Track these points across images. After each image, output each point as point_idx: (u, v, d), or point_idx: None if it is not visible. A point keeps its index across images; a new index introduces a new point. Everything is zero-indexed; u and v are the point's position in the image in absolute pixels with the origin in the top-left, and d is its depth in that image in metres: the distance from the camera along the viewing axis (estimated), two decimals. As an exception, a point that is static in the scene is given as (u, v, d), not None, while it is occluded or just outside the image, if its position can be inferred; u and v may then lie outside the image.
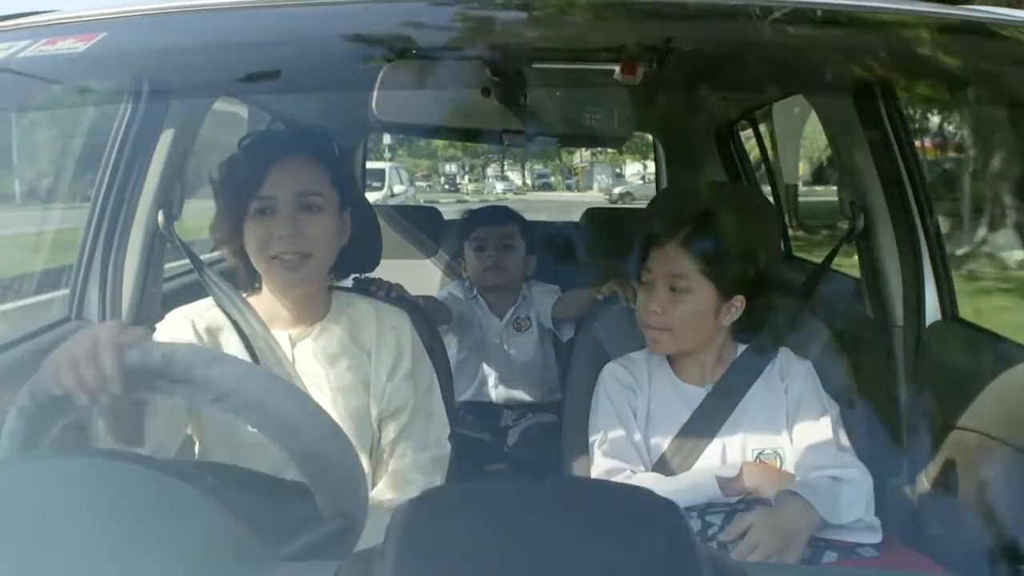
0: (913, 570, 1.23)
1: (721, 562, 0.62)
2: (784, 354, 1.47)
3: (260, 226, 1.27)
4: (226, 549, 0.64)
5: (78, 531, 0.63)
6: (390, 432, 1.35)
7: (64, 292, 1.81)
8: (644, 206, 2.13)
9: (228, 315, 1.34)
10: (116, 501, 0.68)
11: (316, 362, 1.33)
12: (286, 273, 1.28)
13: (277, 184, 1.26)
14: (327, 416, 0.86)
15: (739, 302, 1.42)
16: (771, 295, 1.53)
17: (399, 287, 1.73)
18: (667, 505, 0.66)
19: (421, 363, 1.39)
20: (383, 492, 1.30)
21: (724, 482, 1.32)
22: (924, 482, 1.54)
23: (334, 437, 0.84)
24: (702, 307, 1.40)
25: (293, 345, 1.33)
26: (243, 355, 1.28)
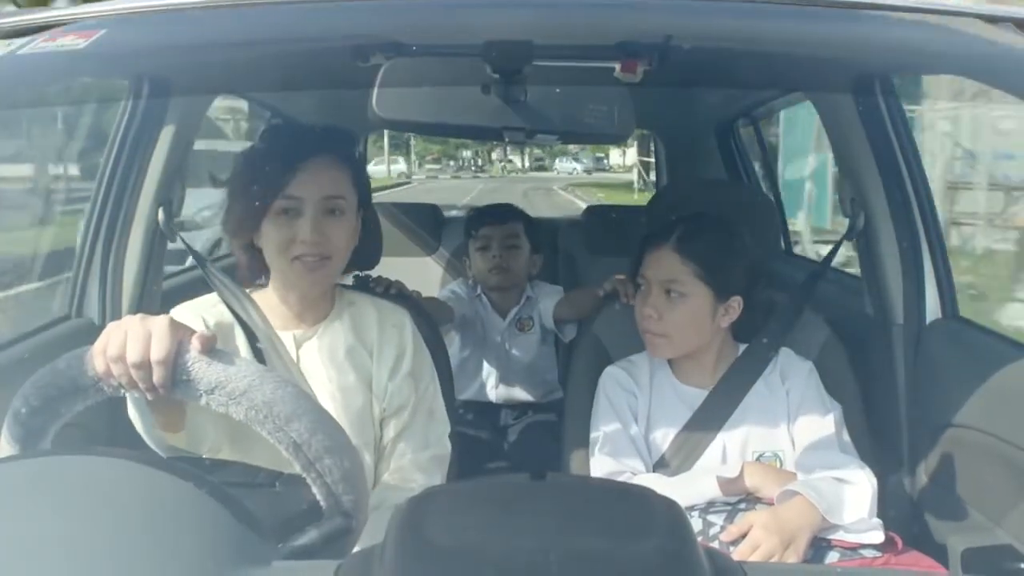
0: (915, 570, 1.23)
1: (721, 562, 0.62)
2: (785, 354, 1.46)
3: (283, 227, 1.25)
4: (226, 549, 0.64)
5: (78, 531, 0.63)
6: (391, 431, 1.34)
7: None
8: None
9: (234, 312, 1.33)
10: (116, 501, 0.68)
11: (320, 362, 1.33)
12: (306, 275, 1.28)
13: (305, 185, 1.25)
14: (337, 424, 0.86)
15: (736, 303, 1.42)
16: (771, 294, 1.53)
17: (399, 283, 1.73)
18: (667, 504, 0.66)
19: (422, 362, 1.39)
20: (383, 491, 1.30)
21: (724, 482, 1.32)
22: (924, 480, 1.54)
23: (343, 444, 0.85)
24: (698, 310, 1.40)
25: (298, 346, 1.33)
26: (248, 354, 1.28)
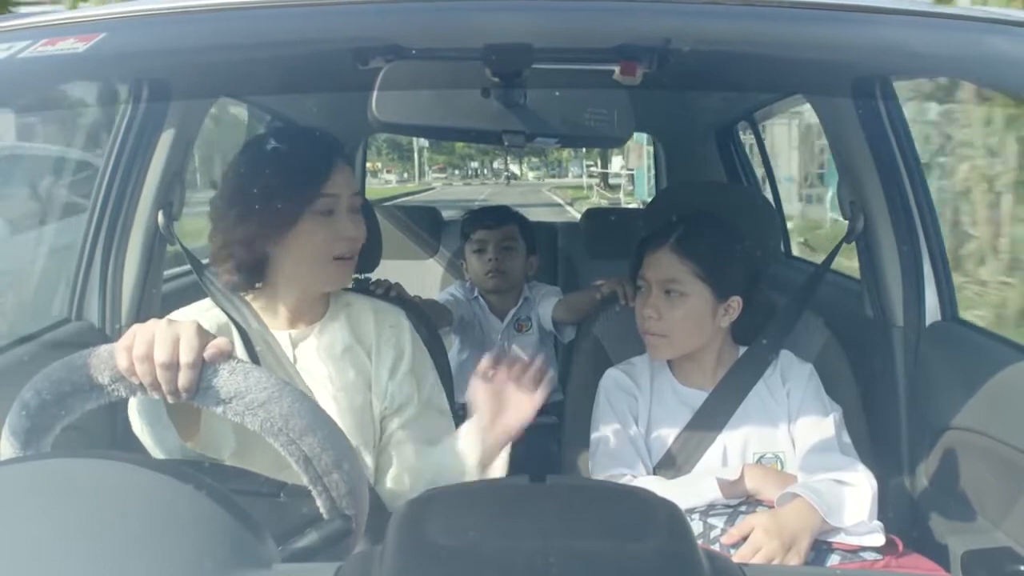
0: (915, 573, 1.23)
1: (721, 564, 0.62)
2: (786, 357, 1.46)
3: (324, 226, 1.26)
4: (226, 549, 0.64)
5: (78, 531, 0.63)
6: (394, 427, 1.34)
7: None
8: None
9: (228, 315, 1.33)
10: (116, 501, 0.68)
11: (318, 361, 1.33)
12: (344, 273, 1.31)
13: (341, 184, 1.27)
14: (348, 441, 0.87)
15: (736, 303, 1.42)
16: (771, 296, 1.53)
17: (398, 286, 1.74)
18: (667, 507, 0.66)
19: (423, 361, 1.39)
20: (389, 489, 1.31)
21: (725, 484, 1.31)
22: (924, 483, 1.54)
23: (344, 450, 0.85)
24: (698, 310, 1.40)
25: (295, 345, 1.33)
26: (244, 354, 1.28)
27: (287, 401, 0.83)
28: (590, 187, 27.42)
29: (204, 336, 0.87)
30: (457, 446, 1.25)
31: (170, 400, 0.87)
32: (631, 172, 19.44)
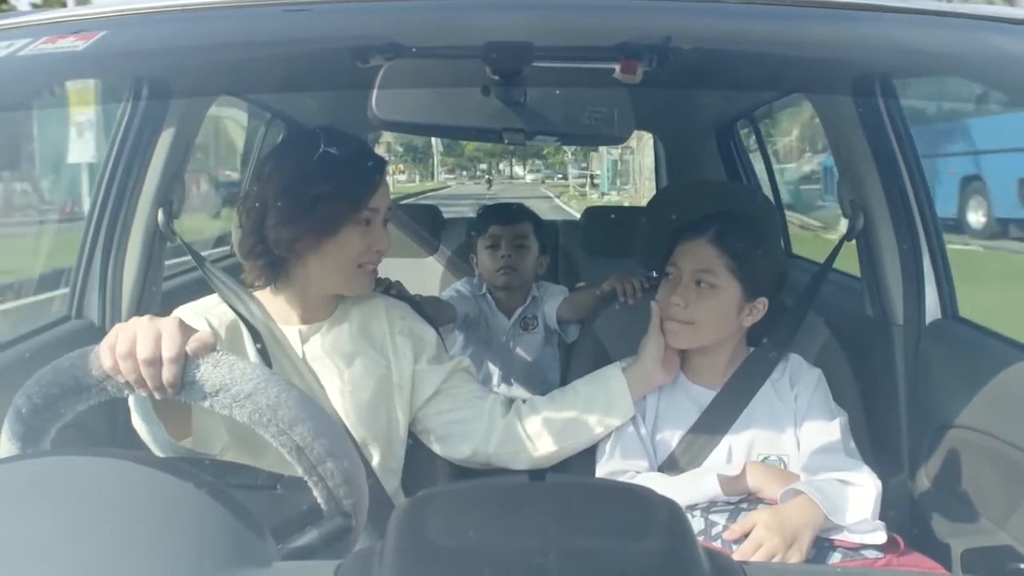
0: (916, 571, 1.22)
1: (721, 562, 0.62)
2: (795, 361, 1.46)
3: (362, 235, 1.30)
4: (226, 549, 0.64)
5: (77, 529, 0.63)
6: (444, 404, 1.39)
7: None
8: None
9: (236, 311, 1.33)
10: (116, 500, 0.68)
11: (327, 356, 1.33)
12: (368, 282, 1.35)
13: (382, 198, 1.32)
14: (341, 428, 0.87)
15: (762, 304, 1.42)
16: (780, 297, 1.54)
17: (399, 284, 1.74)
18: (667, 504, 0.66)
19: (441, 349, 1.43)
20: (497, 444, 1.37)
21: (726, 481, 1.31)
22: (924, 481, 1.54)
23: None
24: (725, 304, 1.40)
25: (304, 341, 1.33)
26: (252, 351, 1.28)
27: (273, 391, 0.82)
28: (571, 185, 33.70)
29: (186, 331, 0.87)
30: (612, 384, 1.40)
31: (156, 396, 0.86)
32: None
